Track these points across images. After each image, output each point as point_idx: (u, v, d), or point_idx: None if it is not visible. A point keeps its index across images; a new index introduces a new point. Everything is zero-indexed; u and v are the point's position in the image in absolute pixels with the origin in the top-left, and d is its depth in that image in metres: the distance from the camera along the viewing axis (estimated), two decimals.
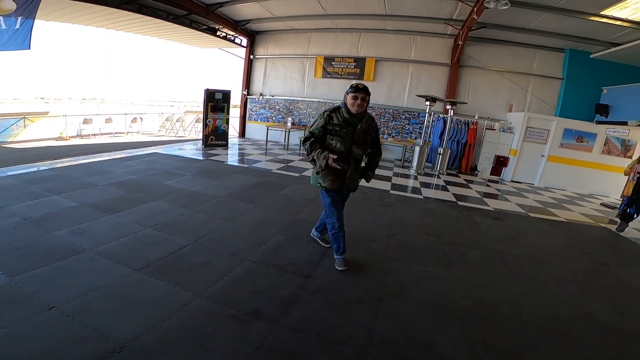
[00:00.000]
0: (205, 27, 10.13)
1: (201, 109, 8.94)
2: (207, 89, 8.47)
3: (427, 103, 8.09)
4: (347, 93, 2.52)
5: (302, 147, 2.56)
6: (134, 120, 12.78)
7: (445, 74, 9.52)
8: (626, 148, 8.01)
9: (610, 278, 3.33)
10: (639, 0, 5.54)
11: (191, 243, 3.04)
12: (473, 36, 8.43)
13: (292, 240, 3.35)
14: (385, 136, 10.12)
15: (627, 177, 5.26)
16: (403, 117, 10.05)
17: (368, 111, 2.67)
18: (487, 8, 5.89)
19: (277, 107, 11.38)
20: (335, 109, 2.58)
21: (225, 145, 9.05)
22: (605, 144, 8.27)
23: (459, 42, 8.48)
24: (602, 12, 6.25)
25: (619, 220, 5.23)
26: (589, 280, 3.21)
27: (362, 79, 10.10)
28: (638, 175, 4.97)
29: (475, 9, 6.46)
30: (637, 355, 2.07)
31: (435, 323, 2.23)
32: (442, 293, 2.63)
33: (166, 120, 14.32)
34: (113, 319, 1.95)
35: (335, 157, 2.50)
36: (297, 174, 6.52)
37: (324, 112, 2.58)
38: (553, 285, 3.00)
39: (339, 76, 10.40)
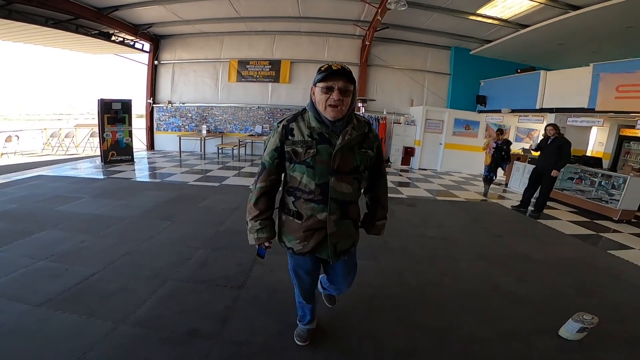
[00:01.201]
0: (97, 32, 8.87)
1: (96, 121, 7.85)
2: (102, 99, 7.47)
3: None
4: (314, 84, 1.40)
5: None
6: (8, 139, 10.52)
7: (355, 73, 10.07)
8: (502, 132, 9.60)
9: (507, 249, 3.78)
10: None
11: (100, 270, 2.65)
12: (378, 36, 9.11)
13: (218, 253, 3.16)
14: None
15: (485, 151, 7.12)
16: None
17: (358, 114, 1.56)
18: (389, 9, 6.43)
19: (190, 115, 10.65)
20: (297, 115, 1.48)
21: (131, 160, 8.10)
22: (486, 130, 9.81)
23: (366, 43, 9.12)
24: (478, 11, 7.28)
25: (485, 185, 6.93)
26: (492, 254, 3.58)
27: (278, 82, 10.08)
28: (493, 150, 6.74)
29: (379, 10, 7.00)
30: (550, 323, 2.29)
31: (373, 314, 2.32)
32: (373, 283, 2.74)
33: (51, 136, 12.13)
34: (23, 358, 1.67)
35: (268, 246, 1.56)
36: (216, 184, 6.19)
37: (279, 122, 1.47)
38: (465, 262, 3.34)
39: (255, 79, 10.21)
